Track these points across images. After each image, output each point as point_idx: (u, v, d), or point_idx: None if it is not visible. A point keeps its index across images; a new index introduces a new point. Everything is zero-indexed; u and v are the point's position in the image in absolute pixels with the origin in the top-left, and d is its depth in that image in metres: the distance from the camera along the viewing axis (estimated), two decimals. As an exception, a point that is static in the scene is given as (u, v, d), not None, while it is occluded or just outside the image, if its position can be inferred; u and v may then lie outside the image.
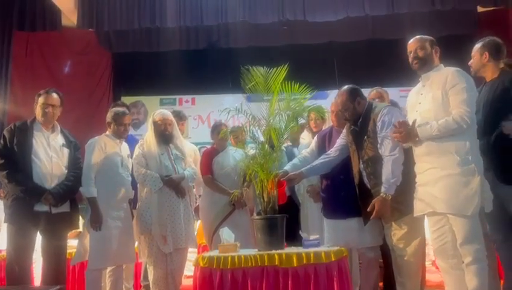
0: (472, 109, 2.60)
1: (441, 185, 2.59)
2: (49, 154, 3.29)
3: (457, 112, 2.58)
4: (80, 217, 3.70)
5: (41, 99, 3.35)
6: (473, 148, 2.60)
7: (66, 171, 3.34)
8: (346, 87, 3.11)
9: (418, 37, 2.85)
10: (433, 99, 2.68)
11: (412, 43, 2.84)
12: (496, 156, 2.79)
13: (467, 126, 2.57)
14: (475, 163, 2.57)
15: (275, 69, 3.01)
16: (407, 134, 2.68)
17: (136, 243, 3.63)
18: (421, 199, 2.70)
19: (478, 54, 2.99)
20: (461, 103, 2.58)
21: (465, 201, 2.54)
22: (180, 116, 4.32)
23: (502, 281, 2.99)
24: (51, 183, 3.24)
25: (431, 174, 2.64)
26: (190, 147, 4.38)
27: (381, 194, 2.78)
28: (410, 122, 2.78)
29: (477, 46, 3.01)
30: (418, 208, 2.72)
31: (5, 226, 3.31)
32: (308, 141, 3.92)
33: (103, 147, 3.44)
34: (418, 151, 2.75)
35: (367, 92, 3.93)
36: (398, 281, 2.96)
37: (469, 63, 3.07)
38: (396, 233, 2.89)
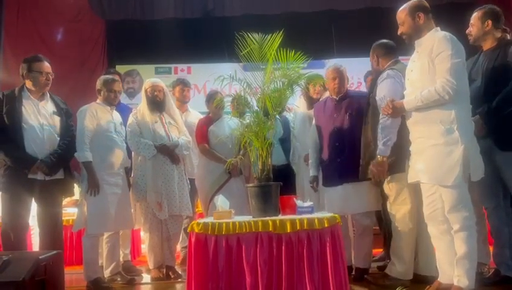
0: (456, 78, 2.51)
1: (426, 155, 2.61)
2: (40, 122, 3.25)
3: (440, 83, 2.52)
4: (76, 186, 3.73)
5: (38, 67, 3.27)
6: (459, 117, 2.54)
7: (59, 138, 3.32)
8: None
9: (398, 11, 2.78)
10: (421, 68, 2.64)
11: (397, 18, 2.79)
12: (495, 123, 2.80)
13: (449, 96, 2.51)
14: (460, 132, 2.52)
15: (270, 36, 2.96)
16: (394, 110, 2.71)
17: (132, 210, 3.67)
18: (412, 167, 2.74)
19: (480, 22, 2.93)
20: (445, 72, 2.52)
21: (446, 171, 2.52)
22: (184, 83, 4.35)
23: (491, 247, 3.05)
24: (43, 151, 3.22)
25: (419, 143, 2.66)
26: (196, 115, 4.36)
27: (377, 157, 2.87)
28: (407, 89, 2.77)
29: (478, 14, 2.95)
30: (410, 175, 2.76)
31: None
32: (303, 110, 3.91)
33: (95, 113, 3.43)
34: (408, 121, 2.76)
35: (366, 61, 3.89)
36: (392, 247, 3.06)
37: (467, 31, 3.02)
38: (391, 194, 3.01)
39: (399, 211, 3.00)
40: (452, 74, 2.51)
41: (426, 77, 2.60)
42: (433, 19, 2.74)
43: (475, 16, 2.97)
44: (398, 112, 2.73)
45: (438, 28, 2.70)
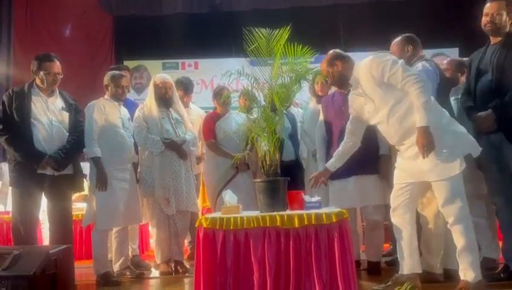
0: (410, 69, 2.65)
1: (422, 159, 2.57)
2: (49, 118, 3.28)
3: (409, 82, 2.56)
4: (85, 181, 3.76)
5: (48, 67, 3.29)
6: (434, 107, 2.59)
7: (67, 134, 3.34)
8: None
9: (320, 64, 2.95)
10: (374, 94, 2.68)
11: (321, 71, 2.97)
12: (508, 117, 2.75)
13: (426, 82, 2.57)
14: (438, 120, 2.57)
15: (277, 31, 2.95)
16: (426, 140, 2.53)
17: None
18: (403, 170, 2.72)
19: (505, 12, 2.83)
20: (403, 75, 2.58)
21: (447, 163, 2.53)
22: (186, 90, 4.24)
23: (501, 243, 3.03)
24: (52, 147, 3.24)
25: (411, 150, 2.64)
26: (197, 111, 4.38)
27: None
28: (372, 120, 2.77)
29: (503, 3, 2.84)
30: (400, 176, 2.73)
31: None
32: (312, 106, 3.90)
33: (102, 109, 3.44)
34: (392, 142, 2.79)
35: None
36: None
37: (488, 19, 2.85)
38: None
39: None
40: (406, 71, 2.59)
41: (383, 96, 2.65)
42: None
43: (501, 4, 2.85)
44: (429, 136, 2.52)
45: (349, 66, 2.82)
